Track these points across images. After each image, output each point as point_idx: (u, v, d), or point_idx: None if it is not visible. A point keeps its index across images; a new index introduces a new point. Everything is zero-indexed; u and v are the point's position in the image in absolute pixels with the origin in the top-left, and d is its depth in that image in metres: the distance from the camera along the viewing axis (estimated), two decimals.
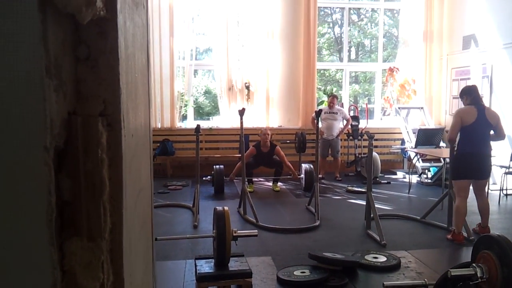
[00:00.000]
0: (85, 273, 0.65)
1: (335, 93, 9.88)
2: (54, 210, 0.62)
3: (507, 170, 7.01)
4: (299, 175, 7.87)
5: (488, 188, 6.87)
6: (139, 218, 0.96)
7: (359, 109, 9.96)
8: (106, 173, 0.67)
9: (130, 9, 0.86)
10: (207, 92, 14.15)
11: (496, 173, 7.65)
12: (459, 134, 5.09)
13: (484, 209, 5.26)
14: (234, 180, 7.62)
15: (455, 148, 5.24)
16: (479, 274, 3.03)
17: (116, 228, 0.69)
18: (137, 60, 0.94)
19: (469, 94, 5.16)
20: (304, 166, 7.73)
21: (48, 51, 0.61)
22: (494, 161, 6.91)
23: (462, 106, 5.32)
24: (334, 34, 15.82)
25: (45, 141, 0.60)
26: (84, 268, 0.65)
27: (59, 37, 0.63)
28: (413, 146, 8.42)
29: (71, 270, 0.65)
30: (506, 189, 7.17)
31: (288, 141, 8.97)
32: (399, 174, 9.19)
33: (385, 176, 8.91)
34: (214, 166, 7.53)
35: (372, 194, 5.37)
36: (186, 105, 9.58)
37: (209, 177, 7.66)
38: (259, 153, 7.55)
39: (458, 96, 5.40)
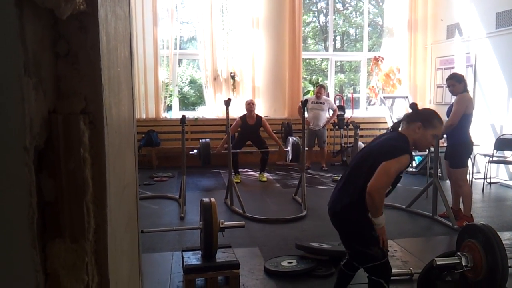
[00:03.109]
0: (69, 275, 0.63)
1: (322, 83, 9.88)
2: (36, 212, 0.60)
3: (490, 159, 7.10)
4: (285, 148, 7.85)
5: (472, 177, 6.99)
6: (124, 215, 0.94)
7: (344, 98, 9.98)
8: (89, 172, 0.65)
9: (112, 1, 0.84)
10: (192, 82, 14.06)
11: (480, 162, 7.76)
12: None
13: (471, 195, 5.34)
14: (221, 171, 7.58)
15: (445, 137, 5.36)
16: (464, 263, 3.07)
17: (100, 228, 0.68)
18: (120, 54, 0.92)
19: (464, 82, 5.20)
20: (291, 138, 7.68)
21: (26, 48, 0.58)
22: (478, 150, 7.02)
23: (450, 93, 5.34)
24: (319, 23, 15.80)
25: (25, 141, 0.58)
26: (68, 270, 0.63)
27: (38, 33, 0.61)
28: None
29: (54, 273, 0.63)
30: (490, 178, 7.28)
31: (274, 131, 8.95)
32: None
33: None
34: (200, 140, 7.40)
35: None
36: (171, 95, 9.50)
37: (195, 151, 7.51)
38: (244, 125, 7.50)
39: (452, 79, 5.26)
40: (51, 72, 0.64)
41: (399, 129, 2.92)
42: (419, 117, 2.85)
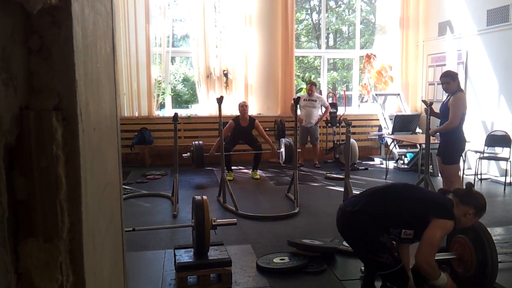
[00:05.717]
0: (42, 275, 0.62)
1: (313, 80, 9.88)
2: (6, 211, 0.59)
3: (481, 155, 7.13)
4: (278, 149, 7.83)
5: (463, 173, 7.02)
6: (105, 214, 0.93)
7: (337, 96, 9.97)
8: (62, 170, 0.63)
9: None
10: (185, 80, 14.02)
11: (471, 158, 7.79)
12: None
13: None
14: (214, 169, 7.55)
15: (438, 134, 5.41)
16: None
17: (75, 227, 0.66)
18: (99, 50, 0.90)
19: (458, 80, 5.21)
20: (284, 140, 7.64)
21: None
22: (469, 146, 7.05)
23: (444, 91, 5.37)
24: (312, 20, 15.80)
25: None
26: (40, 270, 0.62)
27: (8, 28, 0.60)
28: (390, 133, 8.50)
29: (26, 273, 0.62)
30: (481, 174, 7.31)
31: (267, 129, 8.93)
32: (377, 160, 9.29)
33: (363, 162, 8.99)
34: (194, 142, 7.33)
35: (350, 180, 5.40)
36: (163, 93, 9.47)
37: (188, 154, 7.43)
38: (238, 127, 7.49)
39: (447, 77, 5.26)
40: (23, 67, 0.63)
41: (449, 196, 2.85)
42: (475, 203, 2.75)
